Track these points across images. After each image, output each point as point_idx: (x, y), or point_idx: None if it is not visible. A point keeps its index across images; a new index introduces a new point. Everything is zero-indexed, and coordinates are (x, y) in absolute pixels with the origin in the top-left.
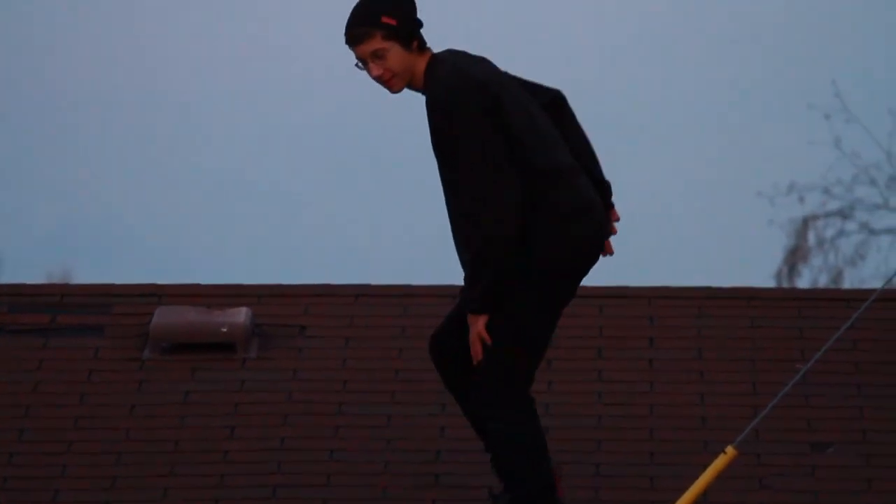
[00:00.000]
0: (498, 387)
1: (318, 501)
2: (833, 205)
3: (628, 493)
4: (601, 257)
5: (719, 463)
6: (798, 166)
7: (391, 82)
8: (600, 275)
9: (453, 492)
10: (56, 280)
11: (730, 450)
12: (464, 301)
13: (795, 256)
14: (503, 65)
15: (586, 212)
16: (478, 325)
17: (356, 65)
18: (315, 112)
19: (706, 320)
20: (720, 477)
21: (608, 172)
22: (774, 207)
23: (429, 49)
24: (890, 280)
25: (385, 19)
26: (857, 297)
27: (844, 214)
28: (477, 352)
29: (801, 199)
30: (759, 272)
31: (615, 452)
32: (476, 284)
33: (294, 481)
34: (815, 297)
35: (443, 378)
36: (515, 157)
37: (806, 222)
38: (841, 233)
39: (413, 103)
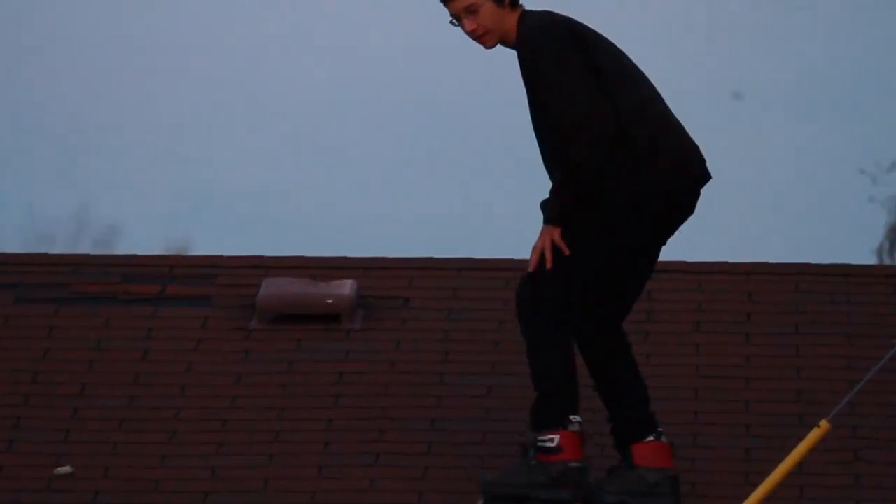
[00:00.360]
0: (551, 298)
1: (420, 469)
2: None
3: (724, 464)
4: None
5: (813, 436)
6: None
7: (484, 38)
8: (701, 249)
9: None
10: (174, 251)
11: (824, 423)
12: (544, 208)
13: None
14: None
15: (669, 151)
16: (549, 235)
17: (451, 21)
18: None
19: (803, 296)
20: (815, 450)
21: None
22: (876, 185)
23: (521, 6)
24: None
25: None
26: None
27: None
28: (535, 261)
29: None
30: (861, 249)
31: (712, 424)
32: (560, 194)
33: (396, 449)
34: None
35: (580, 345)
36: (605, 92)
37: None
38: None
39: (507, 60)
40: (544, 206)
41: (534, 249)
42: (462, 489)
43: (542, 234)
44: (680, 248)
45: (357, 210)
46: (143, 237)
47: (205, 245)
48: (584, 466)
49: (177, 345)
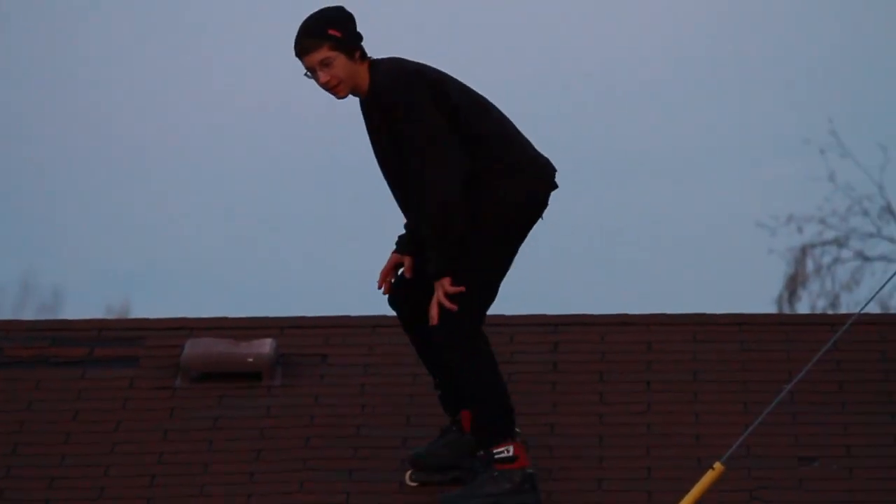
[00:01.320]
0: (460, 328)
1: None
2: (829, 234)
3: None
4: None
5: (707, 478)
6: (796, 199)
7: (337, 88)
8: (603, 303)
9: None
10: (115, 314)
11: (718, 465)
12: (429, 269)
13: (795, 283)
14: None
15: (530, 164)
16: (441, 289)
17: (305, 74)
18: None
19: (701, 345)
20: (713, 490)
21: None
22: (775, 237)
23: (369, 58)
24: (865, 306)
25: (331, 31)
26: (838, 321)
27: (840, 243)
28: (434, 316)
29: (800, 229)
30: (761, 298)
31: (615, 468)
32: (441, 249)
33: (316, 499)
34: (800, 322)
35: (403, 323)
36: (458, 126)
37: (804, 251)
38: (837, 260)
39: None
40: (431, 265)
41: (431, 306)
42: None
43: (438, 289)
44: (584, 301)
45: (275, 271)
46: (85, 301)
47: (142, 307)
48: (535, 472)
49: (105, 404)
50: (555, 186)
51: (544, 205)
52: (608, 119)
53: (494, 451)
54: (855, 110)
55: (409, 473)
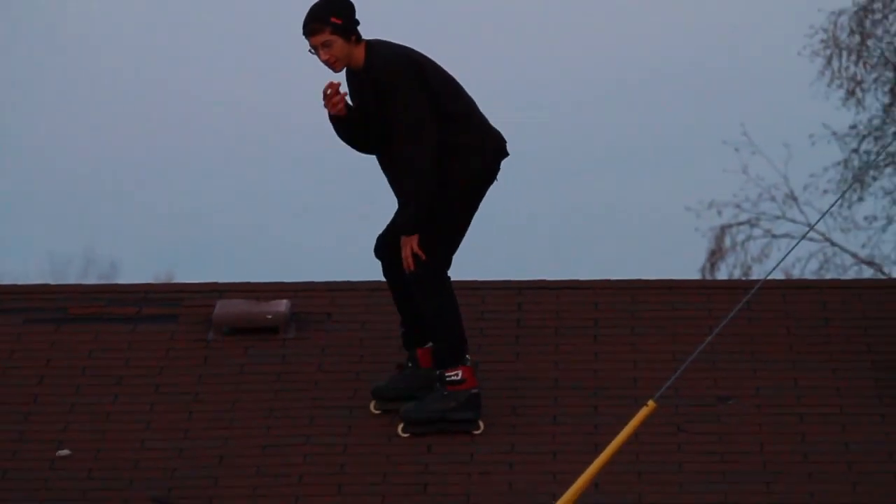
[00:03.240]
0: (430, 271)
1: (341, 446)
2: (743, 216)
3: (578, 437)
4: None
5: (643, 413)
6: (716, 188)
7: (335, 65)
8: (559, 271)
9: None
10: (161, 279)
11: (651, 403)
12: (400, 225)
13: (715, 256)
14: None
15: (491, 137)
16: (412, 244)
17: (309, 51)
18: None
19: (638, 305)
20: (648, 423)
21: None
22: (699, 219)
23: (363, 40)
24: (770, 273)
25: (333, 19)
26: (749, 286)
27: (752, 223)
28: (409, 264)
29: (719, 213)
30: (688, 268)
31: (568, 406)
32: (411, 210)
33: (323, 431)
34: (719, 286)
35: (384, 270)
36: (435, 106)
37: (723, 230)
38: (749, 237)
39: None
40: (402, 223)
41: (405, 259)
42: (378, 451)
43: (404, 245)
44: (543, 269)
45: (289, 243)
46: (136, 270)
47: (182, 274)
48: (480, 392)
49: (151, 354)
50: (506, 154)
51: (497, 171)
52: (579, 119)
53: (447, 373)
54: (763, 115)
55: (372, 403)
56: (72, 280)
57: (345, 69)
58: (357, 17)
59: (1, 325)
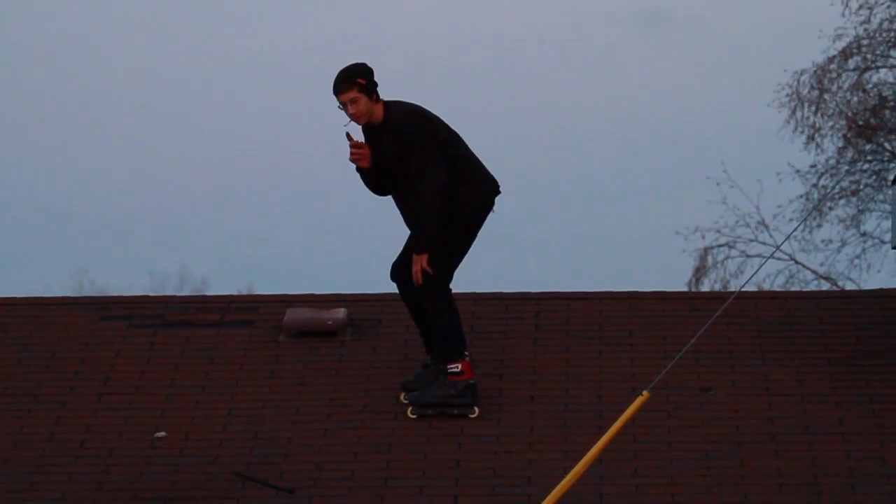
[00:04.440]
0: (436, 286)
1: (389, 428)
2: (722, 239)
3: (587, 422)
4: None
5: (638, 402)
6: (701, 216)
7: (359, 119)
8: (569, 284)
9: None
10: (242, 291)
11: (645, 393)
12: (415, 245)
13: (699, 272)
14: None
15: (488, 178)
16: (421, 262)
17: (338, 107)
18: None
19: (635, 312)
20: (642, 410)
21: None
22: (686, 241)
23: (382, 99)
24: (743, 285)
25: (359, 80)
26: (727, 296)
27: (730, 245)
28: (419, 279)
29: (703, 236)
30: (678, 282)
31: (578, 398)
32: (422, 233)
33: (375, 416)
34: (703, 297)
35: (400, 291)
36: (445, 152)
37: (706, 251)
38: (728, 257)
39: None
40: (415, 244)
41: (414, 273)
42: (419, 434)
43: (415, 262)
44: (559, 281)
45: (346, 257)
46: (222, 285)
47: (259, 287)
48: (476, 382)
49: (232, 353)
50: (499, 193)
51: (492, 206)
52: (592, 160)
53: (448, 366)
54: (740, 156)
55: (402, 395)
56: (168, 292)
57: (362, 128)
58: (376, 80)
59: (109, 329)
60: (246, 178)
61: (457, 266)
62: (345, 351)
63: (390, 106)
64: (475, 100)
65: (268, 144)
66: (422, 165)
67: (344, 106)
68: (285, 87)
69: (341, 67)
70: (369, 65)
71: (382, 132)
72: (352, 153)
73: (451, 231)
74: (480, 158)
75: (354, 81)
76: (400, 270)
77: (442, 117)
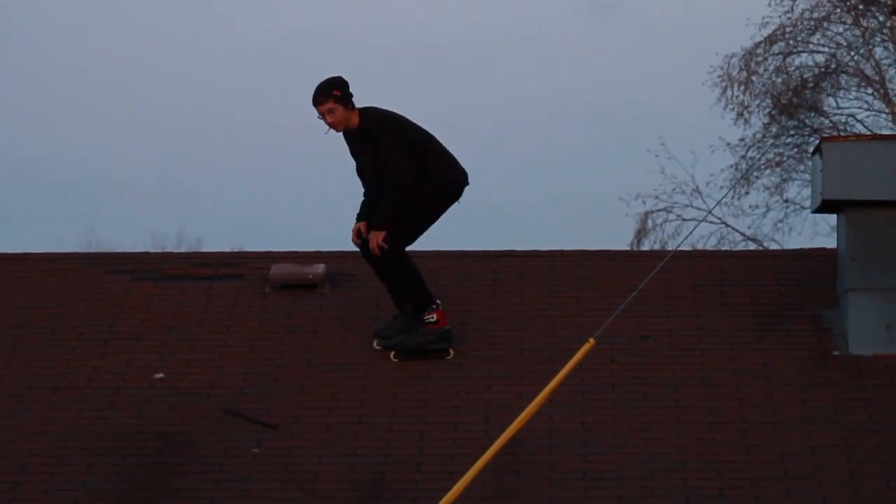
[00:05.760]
0: (394, 254)
1: (362, 373)
2: (661, 205)
3: (540, 365)
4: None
5: (585, 348)
6: (641, 184)
7: (336, 127)
8: (524, 242)
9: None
10: (233, 248)
11: (591, 340)
12: (376, 220)
13: (640, 234)
14: None
15: (459, 171)
16: (377, 238)
17: (317, 117)
18: None
19: (584, 268)
20: (589, 355)
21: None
22: (629, 206)
23: (357, 107)
24: (679, 245)
25: (335, 92)
26: (665, 254)
27: (667, 210)
28: (375, 251)
29: (644, 202)
30: (621, 242)
31: (532, 342)
32: (386, 213)
33: (351, 359)
34: (644, 255)
35: (362, 253)
36: (413, 149)
37: (646, 215)
38: (665, 220)
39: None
40: (377, 220)
41: (371, 247)
42: (389, 377)
43: (372, 238)
44: (520, 240)
45: (326, 218)
46: (215, 243)
47: (248, 245)
48: (451, 328)
49: (224, 304)
50: (467, 184)
51: (460, 195)
52: (548, 134)
53: (425, 316)
54: (676, 131)
55: (375, 342)
56: (167, 250)
57: (342, 134)
58: (351, 90)
59: (113, 282)
60: (239, 146)
61: (413, 240)
62: (324, 302)
63: (364, 112)
64: (439, 81)
65: (260, 116)
66: (389, 164)
67: (322, 116)
68: (277, 63)
69: (318, 82)
70: (344, 77)
71: (359, 136)
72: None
73: (417, 213)
74: (453, 153)
75: (330, 94)
76: (365, 244)
77: (415, 105)
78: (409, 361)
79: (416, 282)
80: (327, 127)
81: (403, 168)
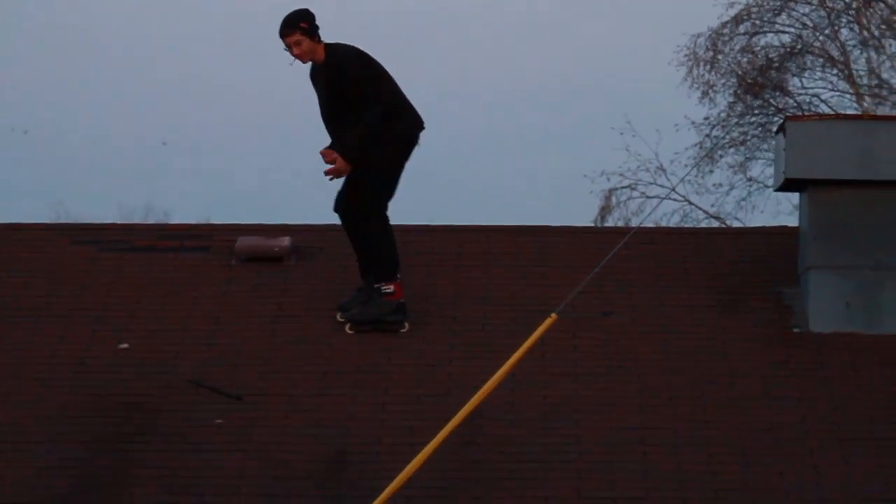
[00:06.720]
0: (375, 214)
1: (328, 347)
2: (625, 182)
3: (503, 340)
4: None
5: (547, 322)
6: (606, 161)
7: (303, 58)
8: (488, 217)
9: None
10: (200, 220)
11: (554, 315)
12: (344, 151)
13: (605, 210)
14: None
15: (414, 114)
16: (340, 163)
17: (284, 49)
18: None
19: (548, 245)
20: (551, 330)
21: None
22: (594, 183)
23: (323, 41)
24: (642, 222)
25: (302, 24)
26: (628, 231)
27: (631, 187)
28: (331, 174)
29: (608, 179)
30: (585, 218)
31: (497, 314)
32: (351, 142)
33: (319, 327)
34: (608, 231)
35: (342, 222)
36: (380, 88)
37: (610, 192)
38: (629, 198)
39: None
40: (339, 147)
41: (334, 171)
42: (353, 349)
43: (339, 164)
44: (481, 217)
45: (292, 193)
46: (181, 216)
47: (214, 218)
48: (405, 302)
49: (190, 274)
50: (424, 128)
51: (418, 140)
52: (511, 113)
53: (383, 287)
54: (641, 109)
55: (339, 314)
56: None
57: (310, 66)
58: (317, 23)
59: (79, 252)
60: (207, 120)
61: (389, 193)
62: (289, 275)
63: (331, 47)
64: (405, 55)
65: (228, 89)
66: (362, 96)
67: (289, 48)
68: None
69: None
70: (311, 10)
71: (323, 70)
72: (327, 170)
73: (382, 158)
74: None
75: (297, 25)
76: (342, 203)
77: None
78: (370, 334)
79: (388, 248)
80: (293, 59)
81: (376, 103)
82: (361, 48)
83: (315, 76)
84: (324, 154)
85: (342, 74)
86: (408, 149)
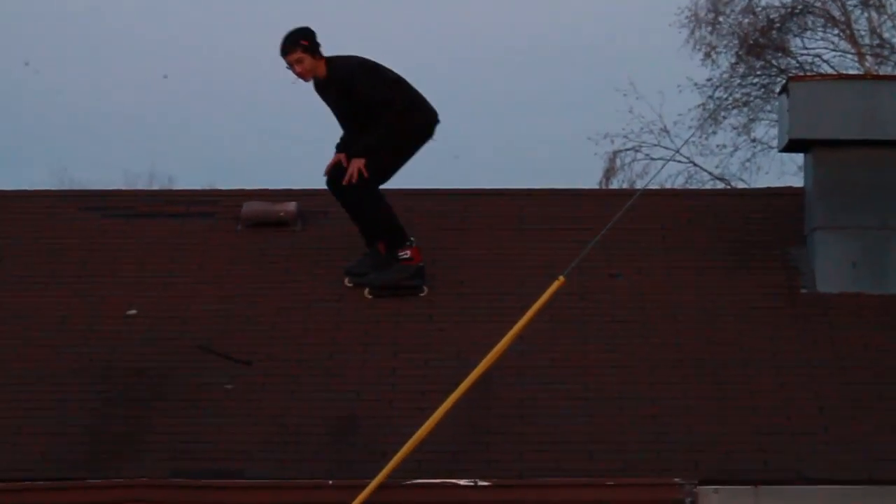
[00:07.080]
0: (368, 188)
1: (335, 310)
2: (629, 144)
3: (512, 301)
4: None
5: (555, 285)
6: (610, 123)
7: (304, 76)
8: (495, 181)
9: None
10: (204, 186)
11: (561, 278)
12: (357, 149)
13: (609, 173)
14: None
15: (431, 110)
16: (358, 164)
17: (286, 67)
18: None
19: (554, 208)
20: (559, 293)
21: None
22: (598, 145)
23: (323, 56)
24: (647, 184)
25: (302, 42)
26: (634, 192)
27: (636, 150)
28: (354, 178)
29: (612, 141)
30: (591, 181)
31: (503, 279)
32: (369, 142)
33: (327, 290)
34: (614, 193)
35: (335, 195)
36: (394, 93)
37: (615, 154)
38: (634, 160)
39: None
40: (357, 149)
41: (350, 174)
42: (361, 314)
43: (353, 164)
44: (492, 181)
45: (298, 158)
46: (187, 182)
47: (220, 184)
48: (424, 265)
49: (196, 239)
50: (439, 121)
51: (433, 133)
52: (519, 76)
53: (399, 253)
54: (645, 70)
55: (346, 279)
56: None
57: (313, 83)
58: (318, 40)
59: (86, 219)
60: (212, 87)
61: (385, 178)
62: (295, 240)
63: (332, 61)
64: (406, 20)
65: (234, 55)
66: (375, 104)
67: (291, 66)
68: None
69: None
70: (311, 27)
71: (328, 84)
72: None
73: (395, 147)
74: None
75: (298, 44)
76: (332, 178)
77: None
78: (382, 299)
79: (390, 218)
80: (295, 77)
81: (394, 101)
82: (363, 56)
83: (321, 90)
84: (341, 161)
85: (350, 90)
86: (421, 140)
